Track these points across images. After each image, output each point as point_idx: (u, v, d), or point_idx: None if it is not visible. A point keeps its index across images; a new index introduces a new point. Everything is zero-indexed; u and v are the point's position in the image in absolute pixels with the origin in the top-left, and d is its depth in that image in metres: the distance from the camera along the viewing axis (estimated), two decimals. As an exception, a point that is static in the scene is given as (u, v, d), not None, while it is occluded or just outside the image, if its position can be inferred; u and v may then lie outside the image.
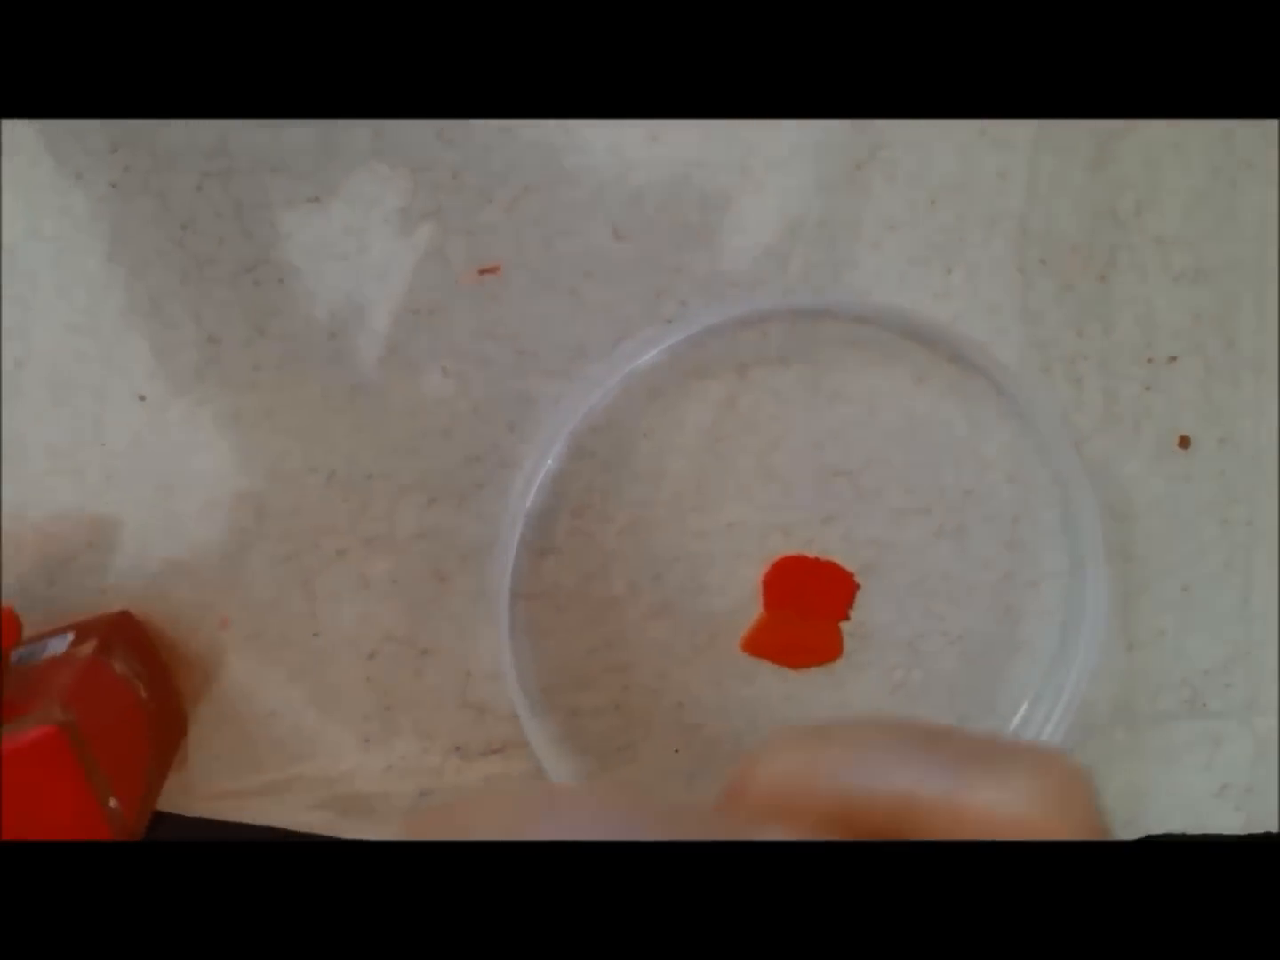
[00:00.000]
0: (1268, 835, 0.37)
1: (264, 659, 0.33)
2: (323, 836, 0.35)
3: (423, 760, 0.35)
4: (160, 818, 0.34)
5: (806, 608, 0.35)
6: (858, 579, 0.34)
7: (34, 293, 0.30)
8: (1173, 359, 0.34)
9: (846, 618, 0.35)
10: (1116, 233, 0.33)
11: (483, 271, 0.32)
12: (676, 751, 0.35)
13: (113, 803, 0.26)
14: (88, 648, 0.29)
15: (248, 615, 0.33)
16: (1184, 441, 0.34)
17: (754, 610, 0.34)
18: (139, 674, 0.30)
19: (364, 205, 0.31)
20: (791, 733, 0.20)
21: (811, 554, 0.34)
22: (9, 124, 0.29)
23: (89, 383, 0.31)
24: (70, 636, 0.30)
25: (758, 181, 0.32)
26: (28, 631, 0.31)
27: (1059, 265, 0.33)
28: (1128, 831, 0.36)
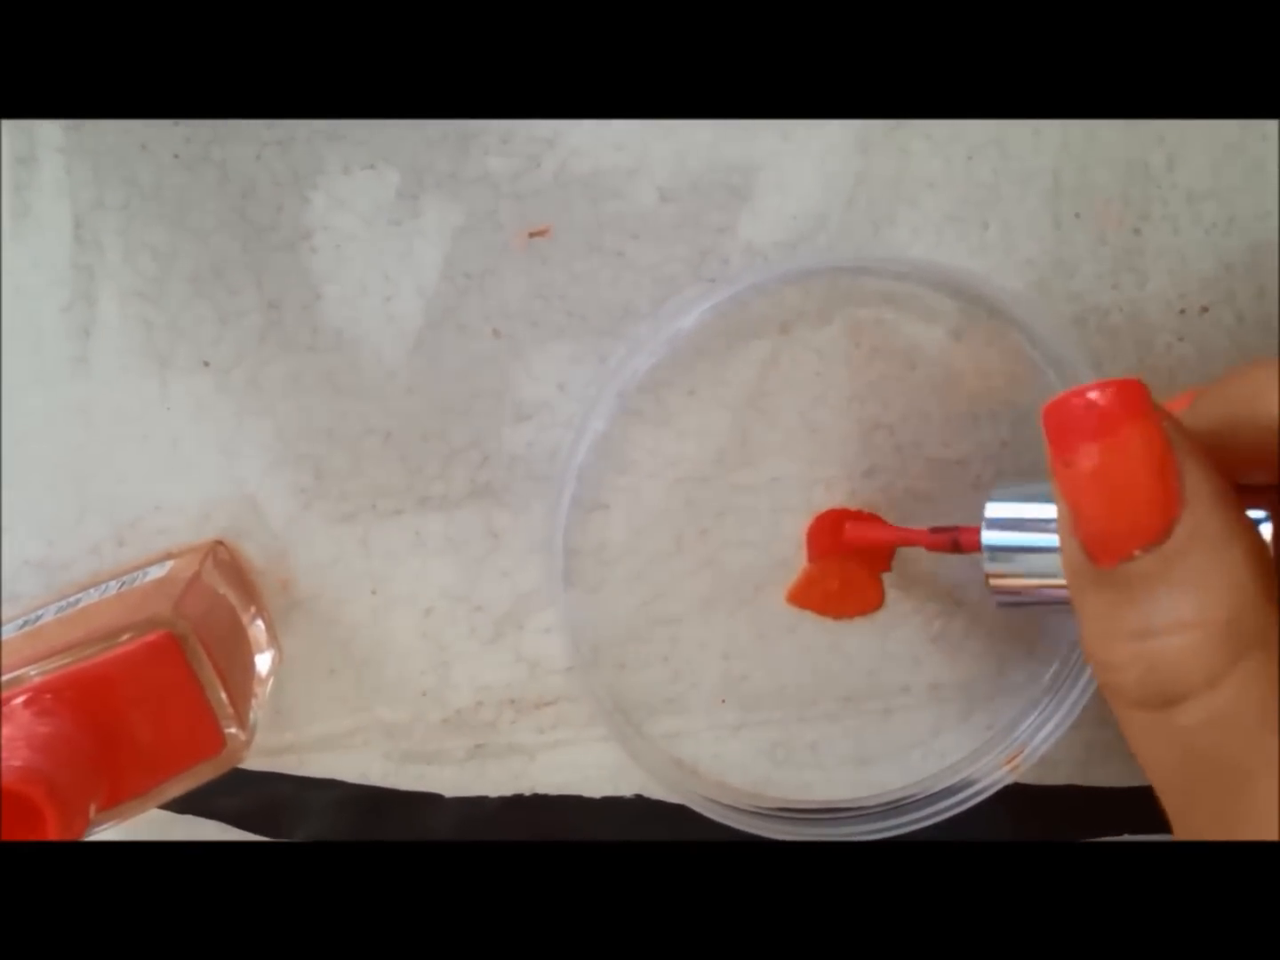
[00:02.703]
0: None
1: (323, 617, 0.34)
2: (380, 788, 0.36)
3: (478, 714, 0.36)
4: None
5: (849, 559, 0.35)
6: (899, 531, 0.35)
7: (101, 261, 0.31)
8: (1205, 309, 0.34)
9: (888, 568, 0.36)
10: (1149, 186, 0.33)
11: (533, 234, 0.33)
12: (723, 702, 0.36)
13: (226, 710, 0.27)
14: (188, 570, 0.30)
15: (307, 574, 0.34)
16: (1216, 391, 0.35)
17: (798, 562, 0.35)
18: (238, 596, 0.31)
19: (416, 171, 0.32)
20: None
21: (853, 506, 0.35)
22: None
23: (155, 349, 0.32)
24: (170, 563, 0.31)
25: (797, 142, 0.33)
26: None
27: (1093, 219, 0.34)
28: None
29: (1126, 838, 0.37)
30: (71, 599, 0.31)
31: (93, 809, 0.26)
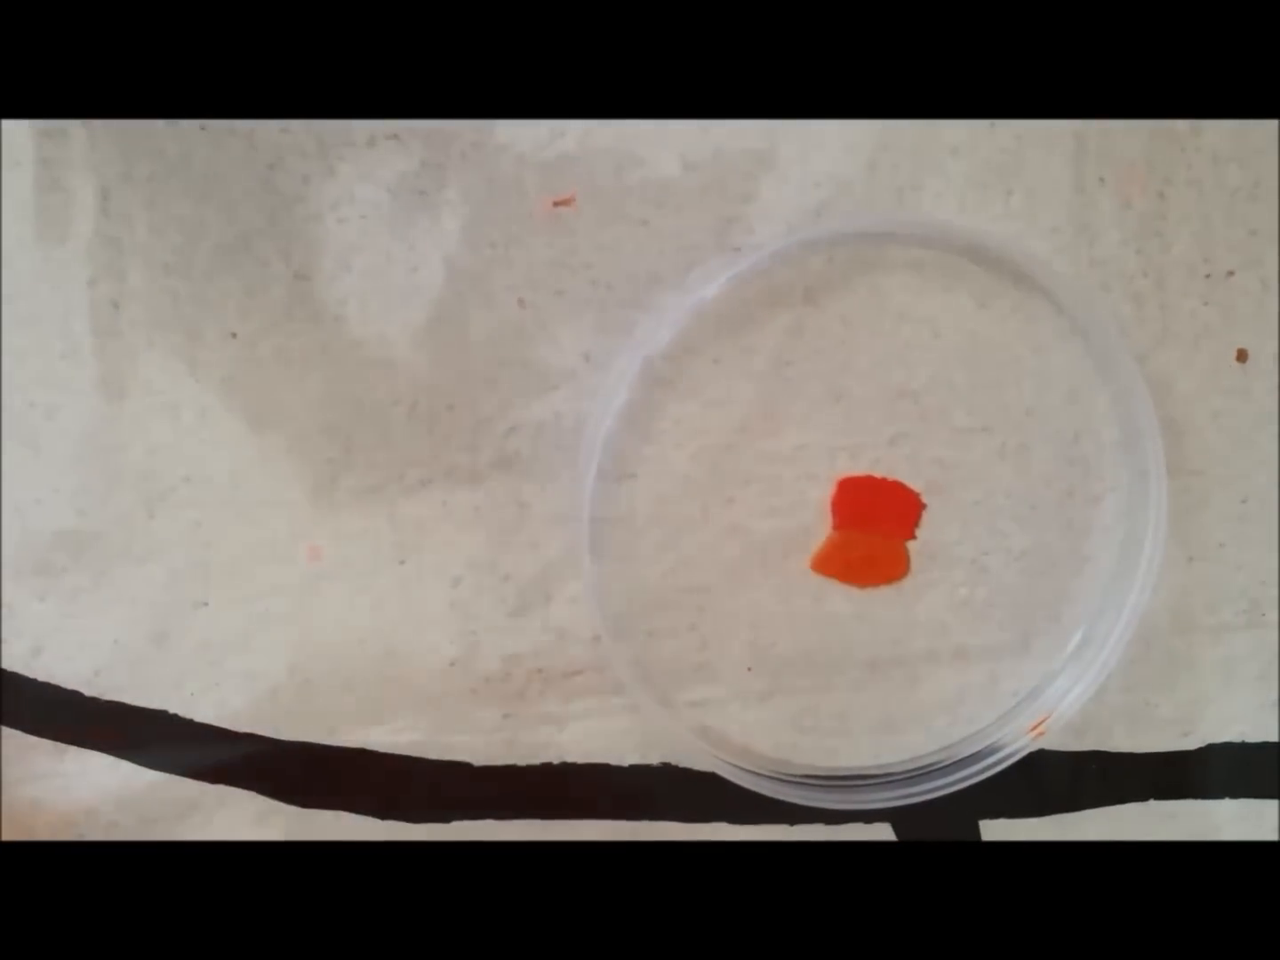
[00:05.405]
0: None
1: (353, 587, 0.35)
2: (409, 757, 0.36)
3: (506, 683, 0.36)
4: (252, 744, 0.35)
5: (874, 527, 0.36)
6: (923, 498, 0.35)
7: (129, 234, 0.31)
8: (1230, 274, 0.34)
9: (913, 536, 0.36)
10: (1174, 150, 0.33)
11: (557, 203, 0.33)
12: (750, 670, 0.36)
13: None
14: None
15: (337, 545, 0.34)
16: (1241, 355, 0.35)
17: (823, 530, 0.35)
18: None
19: (441, 141, 0.32)
20: None
21: (878, 474, 0.35)
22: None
23: (183, 321, 0.32)
24: None
25: (822, 108, 0.33)
26: (129, 565, 0.33)
27: (1117, 184, 0.33)
28: (1188, 741, 0.37)
29: (1152, 803, 0.37)
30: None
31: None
